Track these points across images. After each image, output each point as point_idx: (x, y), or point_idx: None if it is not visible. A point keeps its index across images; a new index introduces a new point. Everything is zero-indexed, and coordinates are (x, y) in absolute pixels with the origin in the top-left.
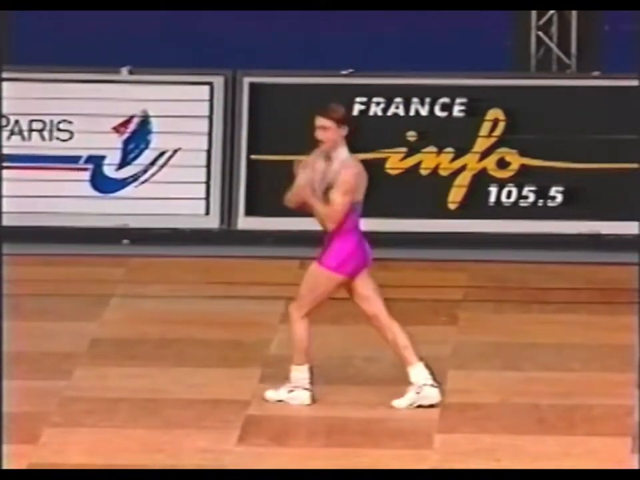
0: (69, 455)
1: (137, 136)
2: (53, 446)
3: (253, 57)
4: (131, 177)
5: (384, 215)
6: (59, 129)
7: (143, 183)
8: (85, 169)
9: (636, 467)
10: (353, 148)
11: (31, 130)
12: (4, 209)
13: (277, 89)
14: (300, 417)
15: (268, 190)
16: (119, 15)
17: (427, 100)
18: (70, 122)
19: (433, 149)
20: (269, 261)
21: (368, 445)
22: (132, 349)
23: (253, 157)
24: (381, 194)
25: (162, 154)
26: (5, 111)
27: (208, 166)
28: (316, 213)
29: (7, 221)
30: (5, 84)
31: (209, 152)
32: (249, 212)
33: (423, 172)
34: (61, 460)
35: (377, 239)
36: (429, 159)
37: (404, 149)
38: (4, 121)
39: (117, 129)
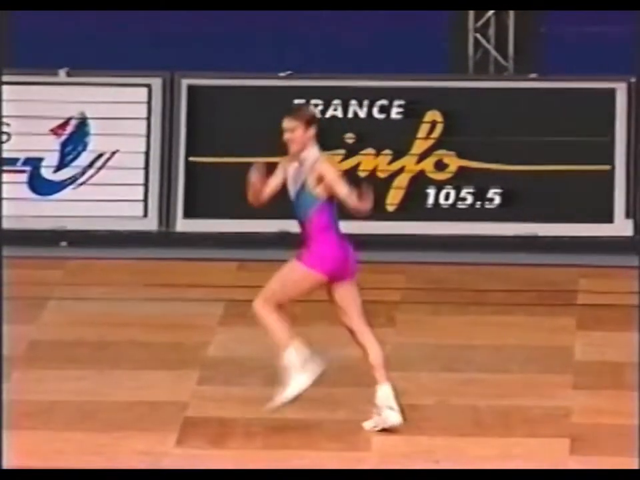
0: (7, 457)
1: (74, 138)
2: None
3: (191, 59)
4: (69, 179)
5: None
6: None
7: (80, 185)
8: (23, 171)
9: (573, 468)
10: None
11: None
12: None
13: (215, 91)
14: (238, 418)
15: (206, 192)
16: (56, 15)
17: (365, 102)
18: (7, 124)
19: (371, 150)
20: (207, 263)
21: (306, 446)
22: (70, 352)
23: (191, 158)
24: None
25: (100, 156)
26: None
27: (146, 168)
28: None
29: None
30: None
31: (147, 154)
32: (188, 214)
33: (361, 174)
34: None
35: None
36: (367, 161)
37: (342, 151)
38: None
39: (54, 131)
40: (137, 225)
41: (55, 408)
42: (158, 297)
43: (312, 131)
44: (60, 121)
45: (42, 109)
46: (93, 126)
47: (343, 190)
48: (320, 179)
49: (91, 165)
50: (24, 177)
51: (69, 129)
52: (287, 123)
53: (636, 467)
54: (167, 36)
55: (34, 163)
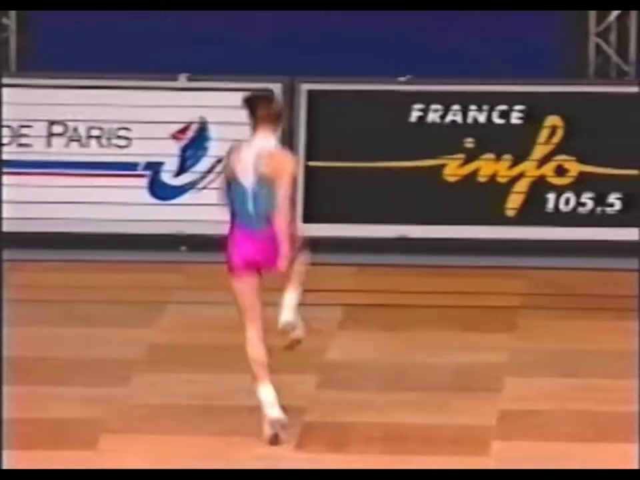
0: (128, 461)
1: (194, 143)
2: (111, 453)
3: (311, 64)
4: (189, 183)
5: (442, 221)
6: (117, 136)
7: (200, 189)
8: (143, 176)
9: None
10: (412, 155)
11: (89, 137)
12: (74, 216)
13: (335, 95)
14: (357, 423)
15: (325, 196)
16: (175, 20)
17: (485, 107)
18: (128, 129)
19: (490, 156)
20: (326, 267)
21: (425, 452)
22: (188, 356)
23: (310, 163)
24: (439, 201)
25: (219, 161)
26: (65, 117)
27: None
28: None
29: (73, 228)
30: (66, 91)
31: None
32: (307, 218)
33: (481, 179)
34: (120, 466)
35: (435, 246)
36: (487, 166)
37: (462, 156)
38: (61, 128)
39: (174, 136)
40: None
41: (173, 412)
42: (276, 301)
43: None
44: (180, 126)
45: (162, 114)
46: (212, 131)
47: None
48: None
49: (210, 170)
50: (144, 182)
51: (189, 133)
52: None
53: None
54: (288, 40)
55: (154, 168)
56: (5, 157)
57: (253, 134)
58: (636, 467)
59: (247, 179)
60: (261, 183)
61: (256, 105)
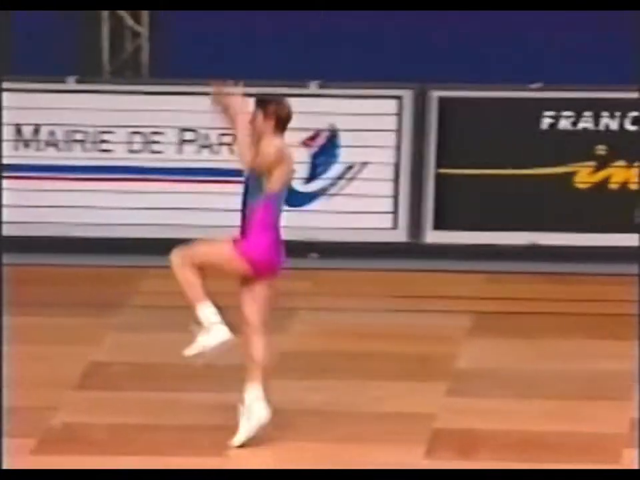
0: (254, 466)
1: (325, 150)
2: (238, 459)
3: (442, 71)
4: (319, 190)
5: (572, 229)
6: None
7: (330, 196)
8: None
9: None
10: (543, 162)
11: (220, 144)
12: (207, 223)
13: (466, 102)
14: (488, 430)
15: (456, 204)
16: (305, 29)
17: (617, 114)
18: None
19: (622, 163)
20: (456, 275)
21: (554, 459)
22: (318, 362)
23: (440, 170)
24: (569, 208)
25: (350, 168)
26: (196, 124)
27: (396, 180)
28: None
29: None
30: (197, 98)
31: (396, 166)
32: (437, 226)
33: (613, 186)
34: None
35: (565, 254)
36: (619, 173)
37: (593, 163)
38: (192, 135)
39: (305, 143)
40: (386, 237)
41: (302, 418)
42: (406, 308)
43: (271, 122)
44: (310, 133)
45: (292, 121)
46: (343, 138)
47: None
48: (269, 172)
49: (340, 177)
50: None
51: (320, 140)
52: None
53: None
54: (419, 47)
55: None
56: (136, 163)
57: (279, 136)
58: None
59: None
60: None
61: (279, 107)
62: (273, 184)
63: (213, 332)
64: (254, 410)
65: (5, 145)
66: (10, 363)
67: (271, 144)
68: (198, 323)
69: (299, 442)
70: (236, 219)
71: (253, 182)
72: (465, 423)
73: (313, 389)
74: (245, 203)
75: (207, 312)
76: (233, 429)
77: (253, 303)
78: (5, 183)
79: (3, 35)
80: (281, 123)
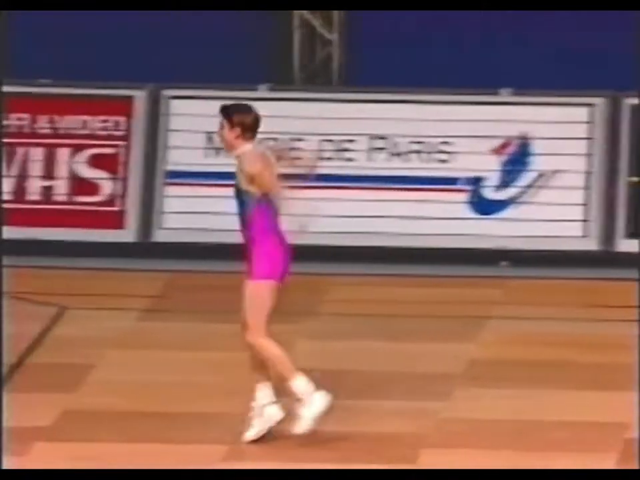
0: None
1: (516, 157)
2: (428, 463)
3: (634, 79)
4: (510, 198)
5: None
6: (438, 151)
7: (521, 204)
8: (464, 191)
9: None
10: None
11: (410, 151)
12: (391, 230)
13: None
14: None
15: None
16: (498, 35)
17: None
18: (449, 143)
19: None
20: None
21: None
22: (507, 371)
23: (633, 178)
24: None
25: (541, 176)
26: (387, 132)
27: (587, 188)
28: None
29: (390, 242)
30: (387, 106)
31: (588, 173)
32: (630, 234)
33: None
34: None
35: None
36: None
37: None
38: (383, 143)
39: (496, 151)
40: (577, 245)
41: (493, 427)
42: (597, 318)
43: (237, 131)
44: (502, 141)
45: (484, 128)
46: (534, 145)
47: (269, 185)
48: (251, 178)
49: (531, 185)
50: (465, 197)
51: (511, 148)
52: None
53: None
54: (609, 55)
55: (475, 183)
56: (327, 171)
57: (250, 142)
58: None
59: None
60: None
61: (246, 114)
62: (262, 187)
63: (314, 402)
64: (267, 411)
65: (197, 152)
66: (199, 370)
67: (250, 160)
68: (296, 398)
69: (491, 450)
70: (425, 227)
71: (241, 195)
72: None
73: (504, 397)
74: (242, 221)
75: (301, 384)
76: (424, 436)
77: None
78: (189, 190)
79: (2, 39)
80: (249, 129)
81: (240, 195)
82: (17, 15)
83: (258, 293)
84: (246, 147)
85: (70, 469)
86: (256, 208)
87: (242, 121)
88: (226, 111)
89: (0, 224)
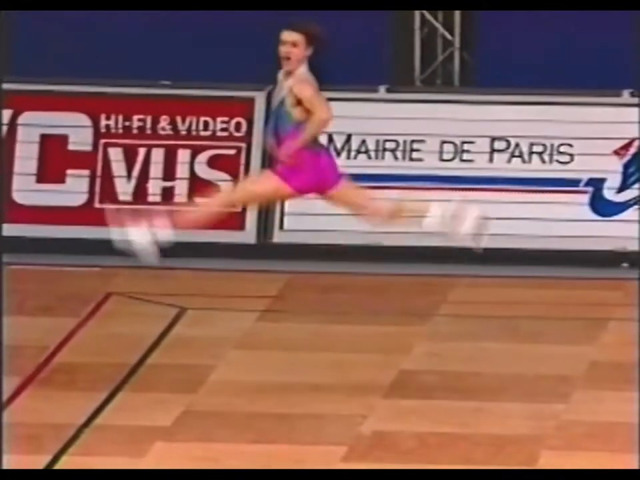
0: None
1: (637, 159)
2: (547, 465)
3: None
4: (631, 200)
5: None
6: (559, 152)
7: None
8: (585, 192)
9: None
10: None
11: (531, 153)
12: (513, 232)
13: None
14: None
15: None
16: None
17: None
18: (570, 145)
19: None
20: None
21: None
22: (628, 373)
23: None
24: None
25: None
26: (507, 133)
27: None
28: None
29: (510, 244)
30: (508, 107)
31: None
32: None
33: None
34: None
35: None
36: None
37: None
38: (504, 145)
39: (617, 152)
40: None
41: (615, 429)
42: None
43: (310, 49)
44: (623, 142)
45: (605, 129)
46: None
47: (321, 113)
48: (298, 101)
49: None
50: (586, 198)
51: (632, 149)
52: (287, 36)
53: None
54: None
55: (596, 184)
56: (447, 172)
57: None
58: None
59: None
60: None
61: (321, 32)
62: (314, 108)
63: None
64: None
65: None
66: (317, 370)
67: (304, 83)
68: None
69: (611, 452)
70: (545, 228)
71: (279, 110)
72: None
73: (625, 400)
74: (277, 137)
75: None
76: (545, 438)
77: (351, 199)
78: None
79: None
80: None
81: (279, 111)
82: (138, 15)
83: (268, 180)
84: (303, 68)
85: (188, 469)
86: (293, 129)
87: (318, 39)
88: (305, 28)
89: (0, 223)
